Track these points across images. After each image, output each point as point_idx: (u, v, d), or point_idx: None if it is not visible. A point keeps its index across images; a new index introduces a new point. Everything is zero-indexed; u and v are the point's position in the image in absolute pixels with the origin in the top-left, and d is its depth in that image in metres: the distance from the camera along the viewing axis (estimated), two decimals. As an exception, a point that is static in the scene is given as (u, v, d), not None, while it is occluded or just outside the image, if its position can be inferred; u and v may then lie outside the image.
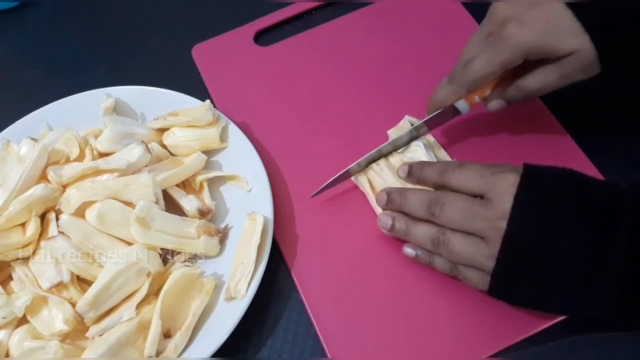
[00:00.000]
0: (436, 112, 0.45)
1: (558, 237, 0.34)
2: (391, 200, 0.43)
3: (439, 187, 0.42)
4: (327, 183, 0.45)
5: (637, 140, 0.49)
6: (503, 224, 0.35)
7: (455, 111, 0.45)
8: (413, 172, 0.44)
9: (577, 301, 0.35)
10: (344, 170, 0.45)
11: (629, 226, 0.33)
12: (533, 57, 0.39)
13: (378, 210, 0.45)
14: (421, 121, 0.46)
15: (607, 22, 0.37)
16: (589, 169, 0.47)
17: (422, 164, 0.44)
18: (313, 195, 0.46)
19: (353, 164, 0.45)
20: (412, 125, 0.50)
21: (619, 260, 0.33)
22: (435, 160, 0.46)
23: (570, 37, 0.37)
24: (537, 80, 0.41)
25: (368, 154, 0.46)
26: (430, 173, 0.42)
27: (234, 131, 0.49)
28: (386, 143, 0.46)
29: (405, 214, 0.42)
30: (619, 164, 0.47)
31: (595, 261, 0.34)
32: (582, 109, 0.50)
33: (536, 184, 0.36)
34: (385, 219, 0.43)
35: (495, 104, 0.44)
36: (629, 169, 0.47)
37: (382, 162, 0.46)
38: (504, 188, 0.36)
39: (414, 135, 0.47)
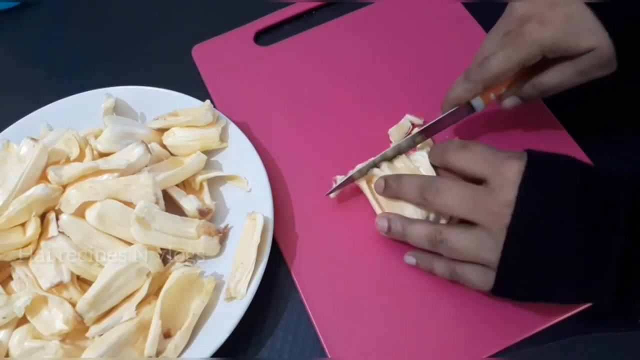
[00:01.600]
0: (451, 110, 0.45)
1: (562, 225, 0.34)
2: (388, 186, 0.43)
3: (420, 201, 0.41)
4: (343, 181, 0.45)
5: (638, 140, 0.49)
6: (507, 212, 0.35)
7: (469, 109, 0.45)
8: (389, 185, 0.43)
9: (581, 288, 0.35)
10: (359, 168, 0.45)
11: (628, 211, 0.34)
12: (551, 55, 0.39)
13: (379, 211, 0.45)
14: (433, 121, 0.45)
15: (626, 19, 0.37)
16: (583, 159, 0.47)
17: (398, 175, 0.43)
18: (328, 194, 0.46)
19: (364, 164, 0.46)
20: (411, 123, 0.51)
21: (619, 244, 0.33)
22: (435, 174, 0.44)
23: (589, 34, 0.37)
24: (554, 77, 0.41)
25: (383, 152, 0.46)
26: (410, 181, 0.42)
27: (234, 131, 0.49)
28: (390, 147, 0.46)
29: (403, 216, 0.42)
30: (619, 162, 0.47)
31: (597, 245, 0.34)
32: (582, 106, 0.50)
33: (540, 172, 0.36)
34: (381, 222, 0.43)
35: (510, 102, 0.44)
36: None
37: (384, 165, 0.46)
38: (508, 176, 0.36)
39: (418, 139, 0.46)
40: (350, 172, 0.46)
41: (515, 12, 0.41)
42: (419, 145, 0.47)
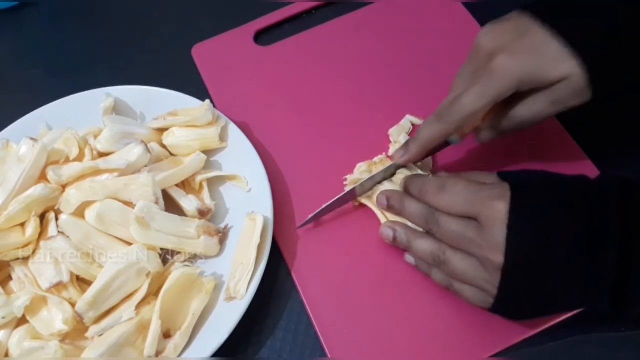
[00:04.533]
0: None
1: (557, 254, 0.34)
2: (391, 206, 0.43)
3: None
4: (316, 212, 0.45)
5: (638, 140, 0.49)
6: (499, 257, 0.34)
7: (444, 143, 0.44)
8: (393, 205, 0.43)
9: (578, 300, 0.35)
10: (331, 201, 0.45)
11: (618, 225, 0.33)
12: (524, 87, 0.38)
13: (383, 219, 0.45)
14: (398, 162, 0.44)
15: (597, 45, 0.37)
16: (589, 168, 0.47)
17: (401, 196, 0.43)
18: (299, 227, 0.46)
19: (336, 198, 0.45)
20: (412, 124, 0.51)
21: (614, 254, 0.33)
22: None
23: (559, 63, 0.37)
24: (529, 108, 0.40)
25: (359, 183, 0.45)
26: (413, 208, 0.41)
27: (234, 131, 0.49)
28: (372, 175, 0.45)
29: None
30: (619, 162, 0.47)
31: (593, 261, 0.34)
32: (588, 112, 0.49)
33: (527, 207, 0.35)
34: (386, 231, 0.43)
35: (486, 135, 0.44)
36: (629, 167, 0.47)
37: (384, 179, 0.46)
38: (495, 216, 0.35)
39: (394, 170, 0.45)
40: (333, 200, 0.45)
41: (483, 47, 0.40)
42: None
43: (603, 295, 0.34)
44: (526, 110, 0.40)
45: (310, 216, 0.45)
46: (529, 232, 0.34)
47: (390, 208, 0.43)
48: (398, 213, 0.43)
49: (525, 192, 0.35)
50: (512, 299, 0.36)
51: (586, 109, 0.47)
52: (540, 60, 0.37)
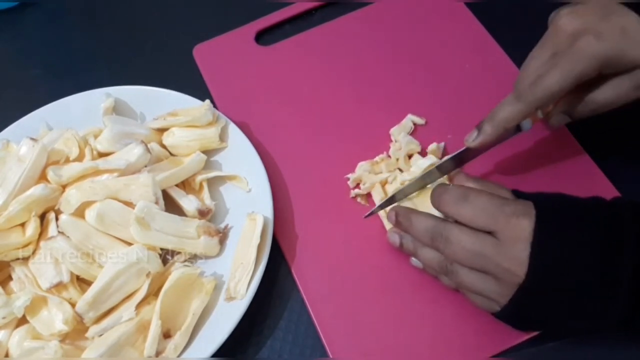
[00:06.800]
0: (495, 135, 0.41)
1: (572, 273, 0.34)
2: (398, 222, 0.42)
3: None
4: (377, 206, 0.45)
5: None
6: (519, 270, 0.34)
7: (515, 130, 0.42)
8: (400, 222, 0.42)
9: (585, 325, 0.36)
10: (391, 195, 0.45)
11: (632, 250, 0.33)
12: (608, 70, 0.38)
13: (388, 226, 0.45)
14: (471, 145, 0.42)
15: None
16: (606, 186, 0.47)
17: (408, 212, 0.42)
18: (366, 216, 0.46)
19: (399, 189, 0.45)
20: (413, 123, 0.50)
21: (625, 285, 0.33)
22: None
23: None
24: (609, 92, 0.39)
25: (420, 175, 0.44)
26: (419, 224, 0.40)
27: (234, 131, 0.49)
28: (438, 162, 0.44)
29: None
30: (636, 179, 0.47)
31: (605, 287, 0.33)
32: (604, 129, 0.48)
33: (551, 227, 0.34)
34: (393, 237, 0.43)
35: (558, 120, 0.43)
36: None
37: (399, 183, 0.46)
38: (518, 234, 0.34)
39: (449, 166, 0.44)
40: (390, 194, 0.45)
41: (564, 28, 0.38)
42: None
43: (613, 318, 0.34)
44: (606, 94, 0.39)
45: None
46: (552, 251, 0.34)
47: (397, 224, 0.42)
48: (405, 230, 0.42)
49: (549, 211, 0.35)
50: (521, 312, 0.36)
51: (598, 120, 0.47)
52: (628, 42, 0.36)
